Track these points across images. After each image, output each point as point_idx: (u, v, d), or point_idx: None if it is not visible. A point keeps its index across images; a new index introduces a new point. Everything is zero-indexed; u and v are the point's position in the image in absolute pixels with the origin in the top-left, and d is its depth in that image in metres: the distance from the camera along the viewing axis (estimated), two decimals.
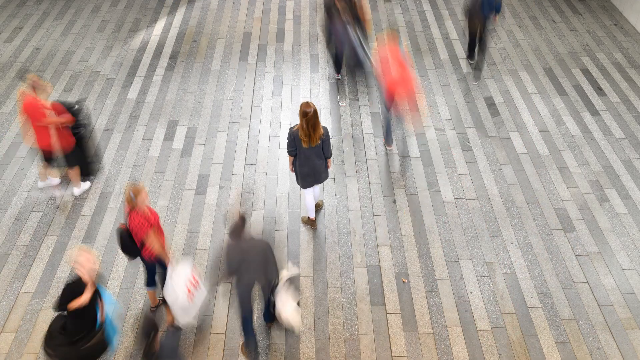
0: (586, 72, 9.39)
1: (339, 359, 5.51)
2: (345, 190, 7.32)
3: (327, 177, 6.41)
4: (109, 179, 7.39)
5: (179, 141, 8.01)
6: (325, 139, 6.02)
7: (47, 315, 5.83)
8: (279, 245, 6.56)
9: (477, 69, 9.41)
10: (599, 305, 6.00)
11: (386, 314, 5.90)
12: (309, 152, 6.01)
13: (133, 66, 9.52)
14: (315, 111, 5.75)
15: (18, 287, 6.10)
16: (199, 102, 8.73)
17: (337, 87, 9.12)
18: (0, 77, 9.15)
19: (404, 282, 6.22)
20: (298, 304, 5.46)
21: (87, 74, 9.29)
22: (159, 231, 5.27)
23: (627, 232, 6.78)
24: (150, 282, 5.62)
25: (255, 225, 6.82)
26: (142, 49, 9.96)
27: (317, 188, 6.75)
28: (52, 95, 8.81)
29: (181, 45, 10.09)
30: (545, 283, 6.22)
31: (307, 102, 5.77)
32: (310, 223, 6.77)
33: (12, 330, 5.70)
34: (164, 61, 9.64)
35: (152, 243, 5.11)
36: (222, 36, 10.32)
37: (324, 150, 6.09)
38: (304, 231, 6.77)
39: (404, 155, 7.84)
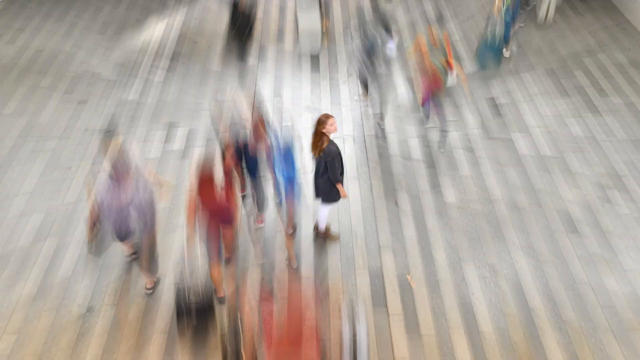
0: (588, 73, 9.41)
1: None
2: (347, 192, 7.36)
3: (325, 199, 6.19)
4: None
5: (178, 143, 8.04)
6: (327, 158, 5.76)
7: (49, 318, 5.87)
8: (281, 248, 6.58)
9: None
10: (601, 307, 6.02)
11: (388, 316, 5.92)
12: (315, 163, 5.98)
13: (133, 68, 9.56)
14: (320, 120, 5.68)
15: (20, 289, 6.13)
16: (199, 104, 8.75)
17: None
18: (2, 79, 9.18)
19: (412, 286, 6.23)
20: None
21: (89, 75, 9.33)
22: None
23: (630, 233, 6.79)
24: None
25: (257, 228, 6.86)
26: (143, 50, 9.99)
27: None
28: (53, 97, 8.85)
29: (182, 46, 10.13)
30: (547, 285, 6.24)
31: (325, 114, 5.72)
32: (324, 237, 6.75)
33: (13, 332, 5.74)
34: (164, 62, 9.68)
35: None
36: (222, 37, 10.34)
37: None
38: (306, 234, 6.80)
39: (406, 157, 7.87)
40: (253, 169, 6.38)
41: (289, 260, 6.42)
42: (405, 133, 8.28)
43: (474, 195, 7.31)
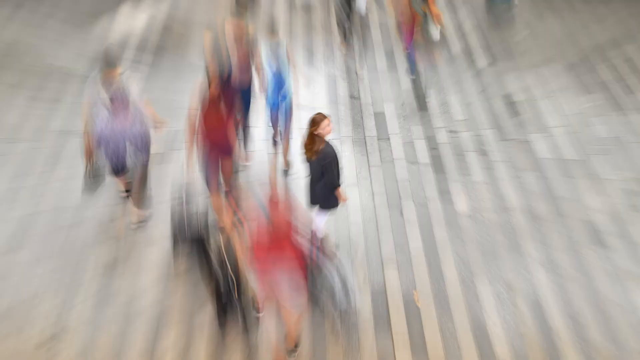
0: (612, 68, 9.31)
1: None
2: (346, 197, 7.21)
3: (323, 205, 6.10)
4: (71, 191, 7.25)
5: (159, 146, 7.87)
6: (324, 162, 5.72)
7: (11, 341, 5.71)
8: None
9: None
10: (629, 327, 5.91)
11: (392, 340, 5.82)
12: (309, 166, 5.92)
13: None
14: (314, 120, 5.60)
15: None
16: (182, 102, 8.61)
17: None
18: None
19: (417, 305, 6.13)
20: None
21: (63, 72, 9.21)
22: None
23: None
24: None
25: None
26: (123, 44, 9.87)
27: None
28: (21, 95, 8.71)
29: (167, 39, 10.01)
30: (570, 303, 6.14)
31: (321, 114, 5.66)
32: None
33: None
34: (147, 57, 9.56)
35: None
36: (211, 28, 10.20)
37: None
38: None
39: (412, 161, 7.79)
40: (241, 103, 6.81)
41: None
42: (410, 134, 8.19)
43: (487, 203, 7.22)
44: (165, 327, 5.87)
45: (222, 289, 5.30)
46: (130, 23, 10.40)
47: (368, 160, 7.79)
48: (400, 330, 5.89)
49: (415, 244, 6.74)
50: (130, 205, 6.83)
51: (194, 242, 5.80)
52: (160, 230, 6.81)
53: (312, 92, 8.90)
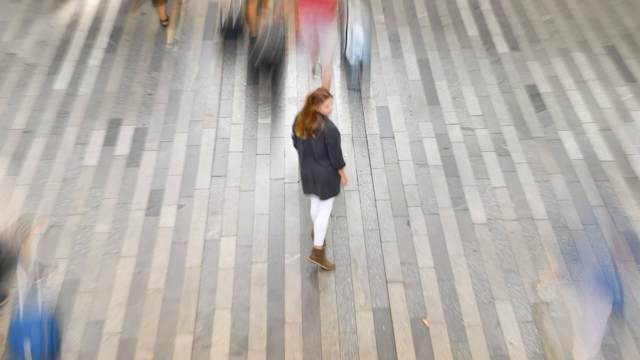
0: None
1: None
2: (343, 209, 7.36)
3: (326, 193, 6.36)
4: (31, 197, 7.38)
5: (123, 146, 8.03)
6: (329, 140, 6.06)
7: None
8: (257, 283, 6.56)
9: None
10: None
11: None
12: (305, 146, 6.17)
13: (61, 47, 9.54)
14: (315, 97, 5.90)
15: None
16: (150, 95, 8.74)
17: None
18: None
19: (426, 325, 6.23)
20: None
21: (0, 57, 9.33)
22: None
23: None
24: None
25: (225, 257, 6.84)
26: (74, 24, 9.98)
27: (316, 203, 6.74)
28: None
29: (126, 19, 10.13)
30: (609, 332, 6.21)
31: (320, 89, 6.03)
32: (317, 257, 6.71)
33: None
34: (103, 41, 9.68)
35: None
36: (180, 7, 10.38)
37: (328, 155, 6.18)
38: (290, 264, 6.79)
39: (420, 163, 7.88)
40: None
41: None
42: (418, 131, 8.30)
43: (509, 212, 7.32)
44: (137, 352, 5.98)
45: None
46: (103, 7, 10.47)
47: (370, 162, 7.87)
48: (408, 358, 5.98)
49: (425, 259, 6.82)
50: (168, 30, 9.74)
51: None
52: (129, 245, 6.94)
53: (305, 83, 9.05)
